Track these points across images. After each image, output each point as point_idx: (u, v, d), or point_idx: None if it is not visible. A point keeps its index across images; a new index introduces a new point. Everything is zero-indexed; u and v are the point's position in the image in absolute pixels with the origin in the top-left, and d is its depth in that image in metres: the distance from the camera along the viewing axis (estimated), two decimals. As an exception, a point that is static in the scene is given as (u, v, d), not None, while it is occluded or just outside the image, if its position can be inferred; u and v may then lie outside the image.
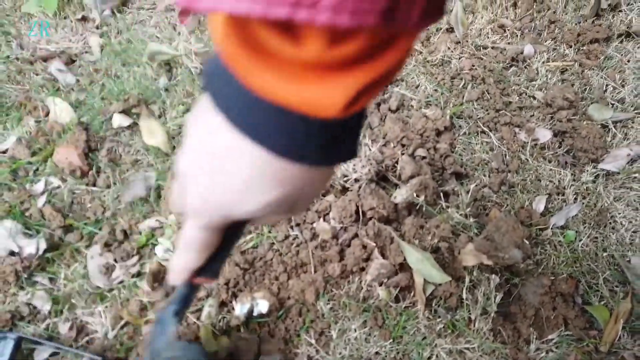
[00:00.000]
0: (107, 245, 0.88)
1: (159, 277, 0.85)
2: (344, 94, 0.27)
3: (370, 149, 0.94)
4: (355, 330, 0.82)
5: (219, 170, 0.34)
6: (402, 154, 0.97)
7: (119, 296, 0.84)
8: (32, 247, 0.85)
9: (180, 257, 0.46)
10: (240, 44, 0.27)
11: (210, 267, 0.48)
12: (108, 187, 0.94)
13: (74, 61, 1.13)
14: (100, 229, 0.89)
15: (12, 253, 0.85)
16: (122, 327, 0.82)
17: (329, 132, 0.31)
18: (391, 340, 0.81)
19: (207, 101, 0.33)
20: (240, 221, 0.41)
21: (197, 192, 0.37)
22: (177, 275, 0.49)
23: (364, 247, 0.86)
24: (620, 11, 1.28)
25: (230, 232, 0.44)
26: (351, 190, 0.90)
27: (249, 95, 0.29)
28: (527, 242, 0.88)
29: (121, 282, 0.85)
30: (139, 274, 0.86)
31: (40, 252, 0.85)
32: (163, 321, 0.64)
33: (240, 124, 0.31)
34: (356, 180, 0.91)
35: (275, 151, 0.31)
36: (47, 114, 1.03)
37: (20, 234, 0.86)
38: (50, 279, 0.85)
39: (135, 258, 0.87)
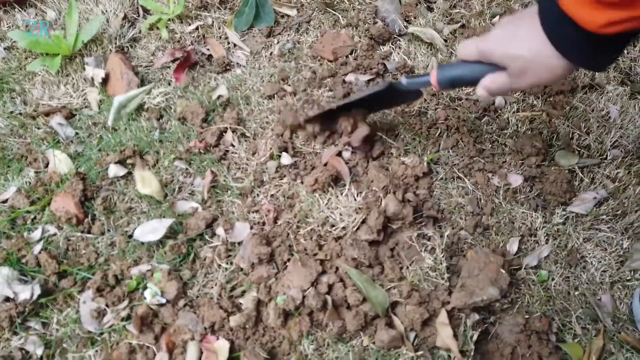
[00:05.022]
0: (99, 290, 0.91)
1: (146, 320, 0.89)
2: (603, 18, 0.56)
3: (355, 199, 1.00)
4: (338, 371, 0.85)
5: (513, 30, 0.70)
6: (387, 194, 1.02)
7: (109, 340, 0.87)
8: (26, 293, 0.88)
9: (468, 43, 0.78)
10: None
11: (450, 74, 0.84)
12: (102, 234, 0.99)
13: (74, 115, 1.20)
14: (93, 274, 0.93)
15: (7, 299, 0.89)
16: (111, 371, 0.84)
17: (588, 42, 0.61)
18: (372, 380, 0.84)
19: (533, 11, 0.67)
20: (490, 63, 0.75)
21: (495, 35, 0.73)
22: (466, 49, 0.79)
23: (345, 288, 0.90)
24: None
25: (481, 65, 0.77)
26: (336, 239, 0.95)
27: (557, 8, 0.61)
28: (502, 277, 0.92)
29: (111, 326, 0.88)
30: (128, 317, 0.89)
31: (35, 298, 0.88)
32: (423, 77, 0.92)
33: (544, 21, 0.65)
34: (343, 228, 0.96)
35: (548, 35, 0.65)
36: (47, 165, 1.09)
37: (15, 280, 0.90)
38: (43, 324, 0.88)
39: (126, 302, 0.91)
